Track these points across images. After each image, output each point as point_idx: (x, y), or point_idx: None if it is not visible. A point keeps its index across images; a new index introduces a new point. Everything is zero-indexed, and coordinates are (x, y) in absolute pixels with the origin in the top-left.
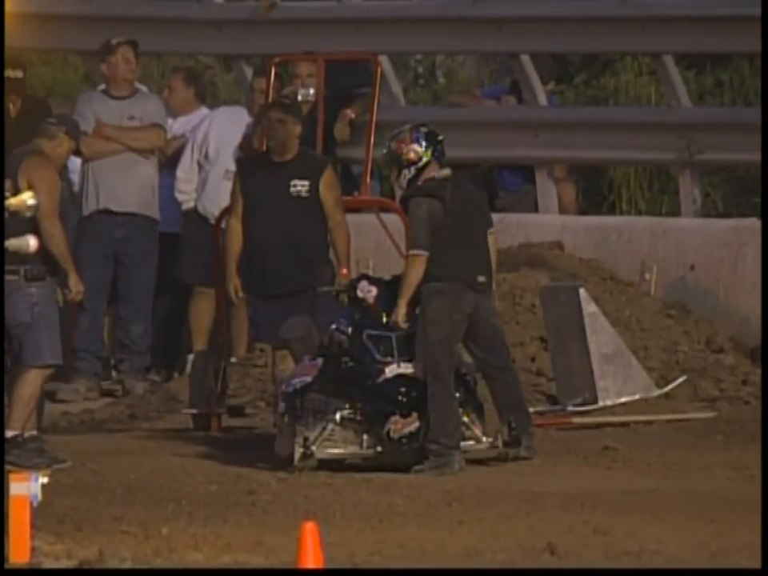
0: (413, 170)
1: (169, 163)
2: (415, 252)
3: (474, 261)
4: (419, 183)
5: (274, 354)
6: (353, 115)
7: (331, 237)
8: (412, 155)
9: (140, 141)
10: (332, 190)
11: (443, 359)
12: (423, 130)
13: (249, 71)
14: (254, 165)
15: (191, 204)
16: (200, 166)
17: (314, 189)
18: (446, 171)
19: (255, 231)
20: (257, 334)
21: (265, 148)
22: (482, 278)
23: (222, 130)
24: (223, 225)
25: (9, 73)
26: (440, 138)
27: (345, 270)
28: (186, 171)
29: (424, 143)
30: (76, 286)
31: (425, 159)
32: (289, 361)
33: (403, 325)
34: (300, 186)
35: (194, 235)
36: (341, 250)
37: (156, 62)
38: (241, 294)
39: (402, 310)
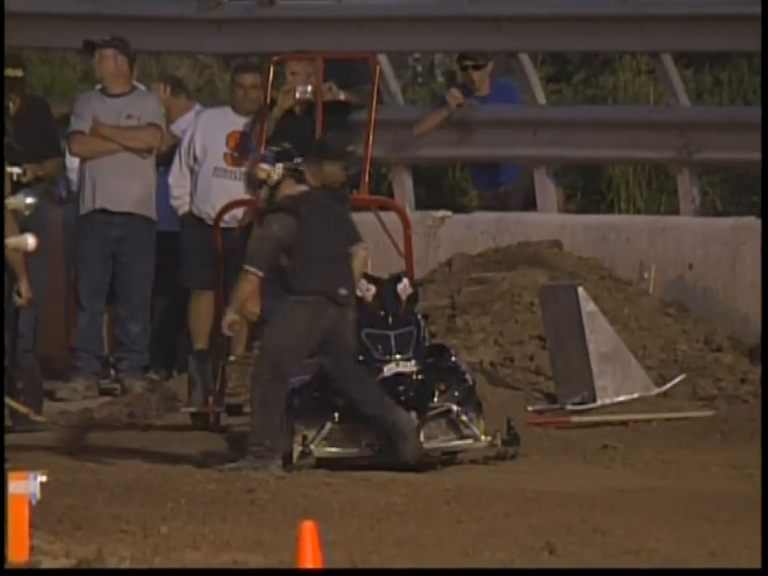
0: (265, 188)
1: (166, 162)
2: (247, 267)
3: (334, 274)
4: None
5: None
6: (341, 96)
7: None
8: (262, 174)
9: (136, 141)
10: None
11: (286, 365)
12: (274, 149)
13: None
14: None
15: (186, 208)
16: (190, 169)
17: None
18: (302, 188)
19: None
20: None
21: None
22: (343, 291)
23: (206, 130)
24: (221, 224)
25: (8, 72)
26: (295, 158)
27: None
28: (176, 177)
29: (272, 162)
30: (26, 293)
31: (274, 177)
32: None
33: (229, 333)
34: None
35: (191, 238)
36: None
37: (155, 60)
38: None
39: (228, 317)
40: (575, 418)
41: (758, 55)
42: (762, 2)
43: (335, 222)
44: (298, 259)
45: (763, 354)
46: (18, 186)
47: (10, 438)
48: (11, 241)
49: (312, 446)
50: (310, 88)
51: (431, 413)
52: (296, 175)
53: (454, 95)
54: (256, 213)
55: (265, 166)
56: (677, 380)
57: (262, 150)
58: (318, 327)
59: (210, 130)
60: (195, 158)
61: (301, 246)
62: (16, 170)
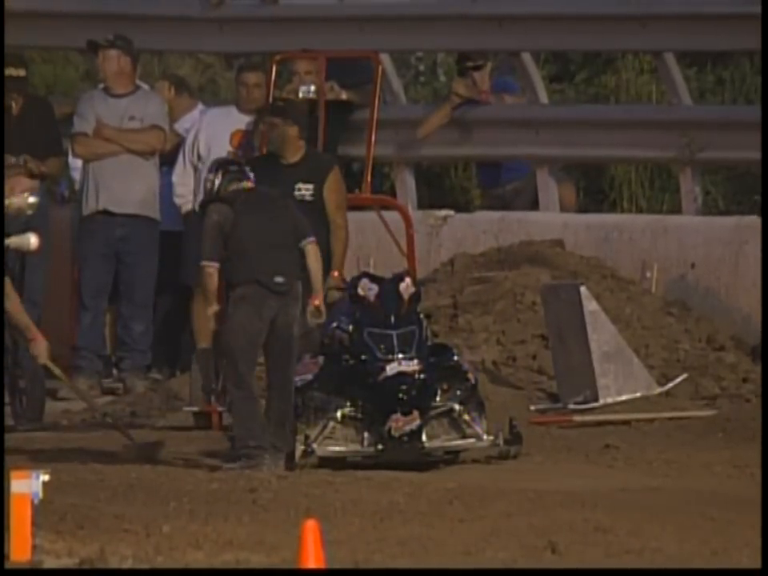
0: (213, 195)
1: (169, 161)
2: (202, 263)
3: (270, 262)
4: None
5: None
6: (343, 95)
7: (330, 238)
8: (208, 185)
9: (139, 143)
10: (335, 193)
11: (245, 366)
12: (219, 160)
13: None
14: (262, 165)
15: (189, 206)
16: (194, 168)
17: (318, 192)
18: (246, 183)
19: None
20: None
21: (264, 151)
22: (279, 279)
23: (211, 128)
24: None
25: (10, 71)
26: (236, 163)
27: (336, 273)
28: (180, 176)
29: (213, 171)
30: (43, 352)
31: (217, 182)
32: None
33: (212, 327)
34: (304, 191)
35: (194, 236)
36: (337, 253)
37: (157, 60)
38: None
39: (209, 311)
40: (577, 418)
41: (759, 54)
42: (762, 2)
43: (274, 215)
44: (232, 249)
45: (763, 354)
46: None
47: (11, 438)
48: (13, 240)
49: (314, 445)
50: (312, 87)
51: (433, 412)
52: (236, 175)
53: (459, 86)
54: (200, 211)
55: (209, 175)
56: (679, 379)
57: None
58: (262, 320)
59: (214, 128)
60: (199, 157)
61: (235, 236)
62: (13, 159)
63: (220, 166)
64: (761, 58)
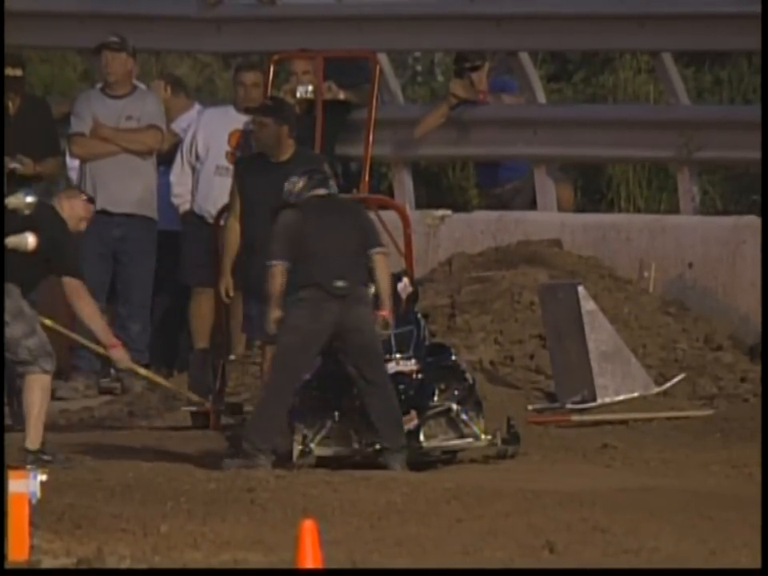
0: (292, 199)
1: (166, 161)
2: (269, 262)
3: (332, 267)
4: None
5: (265, 350)
6: (341, 95)
7: None
8: (289, 186)
9: (137, 143)
10: None
11: (294, 365)
12: (310, 168)
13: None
14: (252, 164)
15: (187, 206)
16: (192, 168)
17: None
18: (320, 190)
19: (252, 231)
20: (250, 330)
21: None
22: (339, 283)
23: (209, 128)
24: (222, 224)
25: (8, 71)
26: (323, 171)
27: None
28: (178, 175)
29: (299, 175)
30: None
31: (300, 185)
32: None
33: (271, 331)
34: None
35: (192, 236)
36: None
37: (155, 59)
38: (232, 294)
39: (271, 317)
40: (575, 417)
41: (758, 54)
42: (763, 2)
43: (343, 220)
44: (299, 253)
45: (763, 354)
46: (20, 180)
47: (9, 438)
48: (11, 240)
49: (312, 445)
50: (310, 87)
51: (431, 412)
52: (319, 183)
53: (457, 86)
54: (272, 215)
55: (294, 178)
56: (677, 379)
57: None
58: (320, 323)
59: (213, 128)
60: (197, 157)
61: (303, 241)
62: (13, 164)
63: (307, 172)
64: (760, 57)
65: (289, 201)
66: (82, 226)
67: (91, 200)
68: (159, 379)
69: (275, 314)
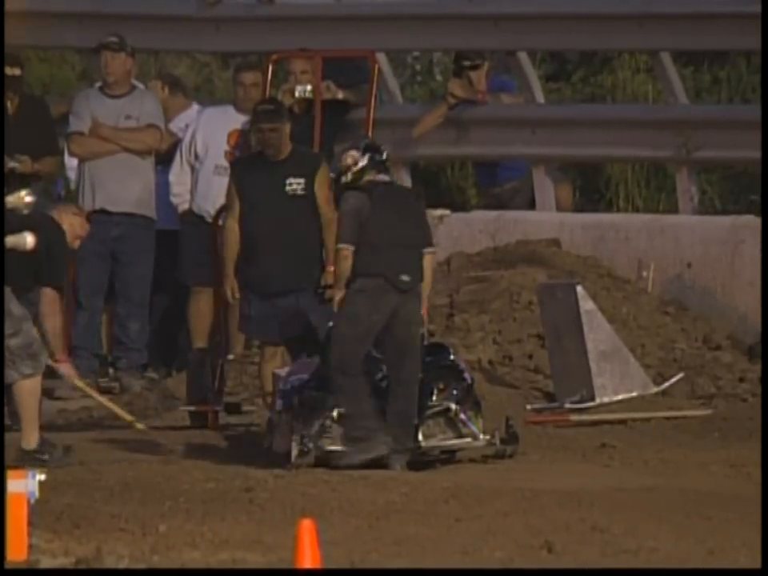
0: (349, 175)
1: (165, 160)
2: (339, 246)
3: (398, 259)
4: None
5: (264, 351)
6: (340, 95)
7: (324, 233)
8: (349, 160)
9: (136, 142)
10: (325, 187)
11: (353, 354)
12: (365, 140)
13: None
14: (249, 164)
15: (186, 206)
16: (191, 167)
17: (309, 186)
18: (384, 176)
19: (252, 230)
20: (247, 329)
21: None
22: (404, 277)
23: (208, 127)
24: (220, 223)
25: (6, 70)
26: (383, 153)
27: (332, 268)
28: (177, 175)
29: (362, 150)
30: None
31: (360, 164)
32: (278, 358)
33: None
34: (296, 185)
35: (191, 236)
36: (331, 248)
37: (153, 59)
38: (237, 296)
39: (336, 298)
40: (574, 417)
41: (757, 53)
42: (762, 2)
43: (406, 214)
44: (363, 240)
45: (763, 354)
46: (18, 179)
47: (7, 437)
48: (10, 239)
49: (311, 445)
50: (309, 87)
51: (430, 411)
52: (379, 167)
53: (455, 86)
54: (334, 196)
55: (353, 152)
56: (675, 378)
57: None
58: (379, 314)
59: (212, 128)
60: (196, 156)
61: (368, 228)
62: (12, 163)
63: (368, 148)
64: (760, 57)
65: (347, 177)
66: (76, 244)
67: (89, 218)
68: (98, 397)
69: (340, 293)
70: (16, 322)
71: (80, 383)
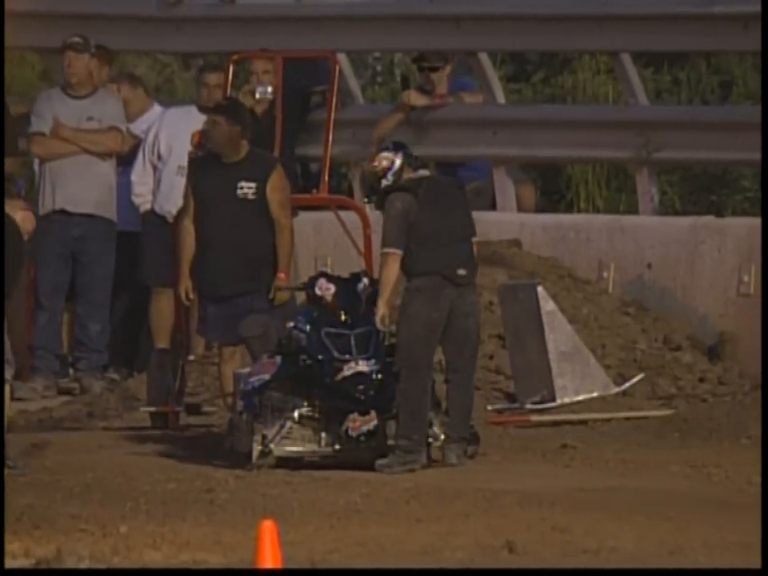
0: (390, 176)
1: (126, 161)
2: (386, 250)
3: (452, 254)
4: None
5: (222, 352)
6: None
7: (276, 239)
8: (384, 163)
9: (97, 144)
10: (278, 192)
11: (421, 356)
12: (391, 141)
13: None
14: (204, 165)
15: (148, 206)
16: (154, 167)
17: (261, 191)
18: (424, 171)
19: (204, 232)
20: (204, 332)
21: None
22: (461, 271)
23: (172, 128)
24: None
25: None
26: (408, 148)
27: (282, 275)
28: (139, 174)
29: (393, 150)
30: None
31: (398, 162)
32: (237, 359)
33: (383, 327)
34: (247, 189)
35: (152, 236)
36: (283, 254)
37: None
38: (192, 297)
39: (380, 312)
40: (535, 417)
41: (715, 55)
42: (762, 2)
43: (453, 206)
44: (415, 239)
45: (763, 354)
46: None
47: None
48: None
49: (272, 445)
50: (270, 88)
51: (390, 413)
52: (413, 162)
53: (411, 96)
54: (376, 199)
55: (386, 153)
56: (636, 379)
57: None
58: (439, 310)
59: (175, 128)
60: (159, 156)
61: (418, 226)
62: None
63: (398, 147)
64: (760, 58)
65: (388, 180)
66: (25, 239)
67: (34, 213)
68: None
69: (383, 310)
70: None
71: None
